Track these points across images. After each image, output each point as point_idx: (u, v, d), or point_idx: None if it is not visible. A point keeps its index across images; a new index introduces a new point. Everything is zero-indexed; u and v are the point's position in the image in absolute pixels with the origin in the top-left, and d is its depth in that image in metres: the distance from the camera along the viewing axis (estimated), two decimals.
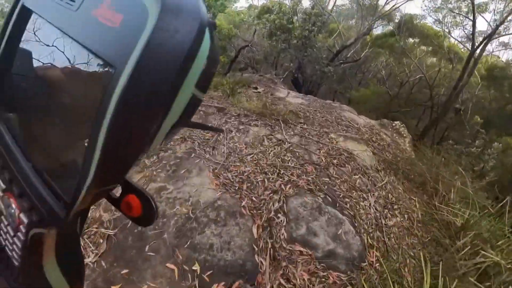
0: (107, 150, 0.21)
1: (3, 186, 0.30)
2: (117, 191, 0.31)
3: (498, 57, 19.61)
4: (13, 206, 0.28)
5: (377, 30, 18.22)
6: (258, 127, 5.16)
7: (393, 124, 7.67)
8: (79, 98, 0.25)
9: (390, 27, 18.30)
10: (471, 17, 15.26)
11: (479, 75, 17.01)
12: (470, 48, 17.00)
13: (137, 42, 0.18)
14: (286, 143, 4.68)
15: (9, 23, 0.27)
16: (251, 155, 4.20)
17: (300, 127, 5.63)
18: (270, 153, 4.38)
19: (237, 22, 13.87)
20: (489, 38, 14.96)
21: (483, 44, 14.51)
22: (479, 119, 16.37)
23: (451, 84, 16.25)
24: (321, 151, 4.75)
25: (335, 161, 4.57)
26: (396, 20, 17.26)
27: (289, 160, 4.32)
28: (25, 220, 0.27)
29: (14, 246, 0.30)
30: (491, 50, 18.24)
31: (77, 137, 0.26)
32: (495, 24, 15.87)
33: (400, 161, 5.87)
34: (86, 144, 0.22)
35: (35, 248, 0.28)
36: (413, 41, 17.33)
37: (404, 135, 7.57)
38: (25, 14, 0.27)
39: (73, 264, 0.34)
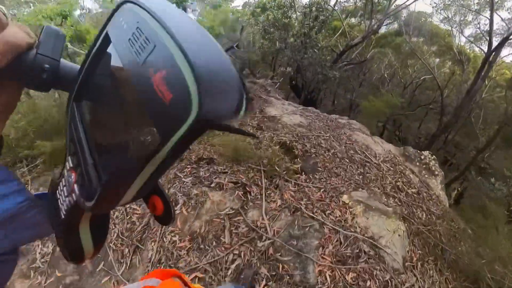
0: (145, 182, 0.25)
1: (71, 165, 0.33)
2: None
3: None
4: (73, 177, 0.32)
5: (381, 29, 15.66)
6: (223, 192, 2.75)
7: (422, 157, 5.18)
8: (125, 120, 0.28)
9: (395, 26, 15.79)
10: (486, 15, 12.69)
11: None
12: (483, 49, 14.44)
13: (178, 130, 0.19)
14: (265, 238, 2.26)
15: (96, 43, 0.30)
16: (195, 268, 1.83)
17: (294, 185, 3.18)
18: (229, 266, 1.98)
19: (228, 22, 11.22)
20: (507, 38, 12.18)
21: (501, 45, 11.69)
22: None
23: (461, 87, 13.70)
24: (326, 251, 2.32)
25: (349, 278, 2.15)
26: (403, 18, 14.67)
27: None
28: (76, 191, 0.31)
29: (65, 204, 0.34)
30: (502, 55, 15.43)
31: (118, 139, 0.30)
32: None
33: (439, 228, 3.44)
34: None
35: (76, 213, 0.33)
36: (421, 40, 14.72)
37: (436, 173, 5.09)
38: (107, 39, 0.29)
39: (100, 233, 0.39)
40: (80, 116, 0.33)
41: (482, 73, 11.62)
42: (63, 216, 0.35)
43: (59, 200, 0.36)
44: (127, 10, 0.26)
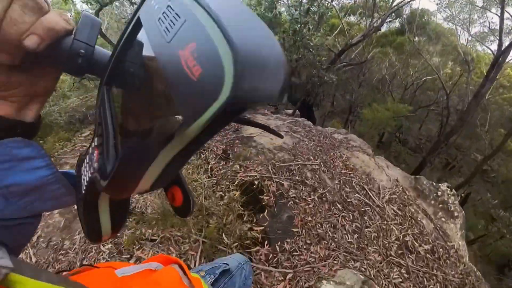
0: (163, 171, 0.23)
1: (96, 144, 0.31)
2: None
3: None
4: (95, 154, 0.30)
5: (382, 28, 13.86)
6: None
7: (438, 193, 3.63)
8: (150, 103, 0.27)
9: (397, 24, 13.96)
10: (496, 12, 10.83)
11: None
12: (490, 49, 12.63)
13: (205, 111, 0.15)
14: None
15: (128, 28, 0.28)
16: None
17: None
18: None
19: None
20: None
21: None
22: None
23: (467, 89, 11.95)
24: None
25: None
26: (405, 16, 12.81)
27: None
28: (96, 166, 0.29)
29: (85, 180, 0.32)
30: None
31: (138, 123, 0.28)
32: None
33: None
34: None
35: (93, 189, 0.30)
36: (423, 39, 12.90)
37: (455, 214, 3.56)
38: (139, 23, 0.27)
39: (119, 215, 0.35)
40: (109, 99, 0.30)
41: (491, 75, 9.88)
42: (83, 192, 0.32)
43: (82, 176, 0.33)
44: None
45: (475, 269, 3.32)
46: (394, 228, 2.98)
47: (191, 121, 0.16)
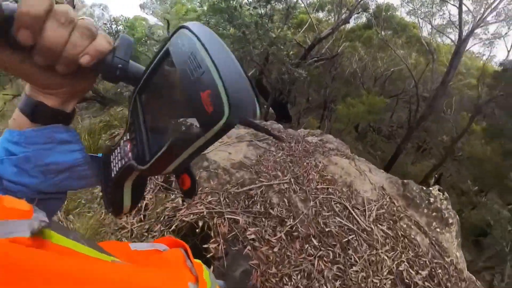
0: (182, 162, 0.29)
1: (128, 138, 0.37)
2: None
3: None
4: (128, 147, 0.36)
5: (350, 24, 13.26)
6: None
7: (430, 199, 2.86)
8: (176, 114, 0.30)
9: (364, 19, 13.38)
10: (454, 3, 10.45)
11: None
12: (452, 39, 12.35)
13: (215, 126, 0.23)
14: None
15: (158, 54, 0.34)
16: None
17: None
18: None
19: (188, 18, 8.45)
20: (477, 26, 10.27)
21: (469, 35, 9.80)
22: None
23: (432, 77, 11.59)
24: None
25: None
26: (371, 10, 12.20)
27: None
28: (130, 156, 0.34)
29: (117, 165, 0.37)
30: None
31: (167, 127, 0.30)
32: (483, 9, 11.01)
33: None
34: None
35: (126, 172, 0.36)
36: (389, 33, 12.33)
37: (450, 221, 2.83)
38: (167, 53, 0.32)
39: (138, 193, 0.41)
40: (141, 105, 0.37)
41: (454, 63, 9.66)
42: (113, 175, 0.38)
43: (112, 163, 0.39)
44: (184, 35, 0.30)
45: (474, 279, 2.61)
46: (385, 257, 2.18)
47: (204, 133, 0.24)
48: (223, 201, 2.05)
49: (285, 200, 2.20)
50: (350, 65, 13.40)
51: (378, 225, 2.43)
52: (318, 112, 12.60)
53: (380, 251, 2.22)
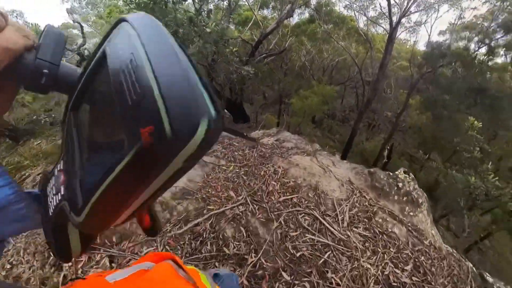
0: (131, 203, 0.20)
1: (61, 167, 0.27)
2: None
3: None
4: (61, 179, 0.26)
5: (294, 19, 13.19)
6: None
7: (399, 184, 2.54)
8: (112, 133, 0.22)
9: (306, 15, 13.41)
10: None
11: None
12: (385, 27, 13.00)
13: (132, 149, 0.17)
14: None
15: (94, 58, 0.25)
16: None
17: None
18: None
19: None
20: (403, 15, 10.87)
21: (398, 23, 10.36)
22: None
23: (371, 63, 12.06)
24: None
25: None
26: (312, 6, 12.21)
27: None
28: (63, 193, 0.25)
29: (53, 201, 0.27)
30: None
31: (102, 156, 0.23)
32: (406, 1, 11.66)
33: None
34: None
35: (64, 214, 0.25)
36: (330, 26, 12.47)
37: (420, 201, 2.53)
38: (104, 55, 0.23)
39: (88, 236, 0.30)
40: (76, 122, 0.27)
41: (389, 48, 10.12)
42: (50, 214, 0.27)
43: (48, 197, 0.28)
44: (124, 31, 0.22)
45: (451, 250, 2.38)
46: (368, 266, 1.75)
47: (136, 146, 0.17)
48: (162, 250, 1.41)
49: (242, 229, 1.64)
50: (299, 59, 13.38)
51: (354, 229, 2.01)
52: (275, 107, 12.33)
53: (361, 260, 1.79)
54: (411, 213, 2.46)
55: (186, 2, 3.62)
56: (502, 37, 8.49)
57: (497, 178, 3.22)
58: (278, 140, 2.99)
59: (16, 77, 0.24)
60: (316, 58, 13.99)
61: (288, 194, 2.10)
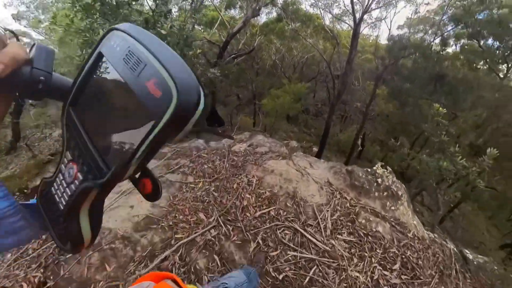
0: (143, 159, 0.25)
1: (70, 158, 0.31)
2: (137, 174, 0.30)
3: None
4: (74, 168, 0.30)
5: (261, 18, 13.06)
6: None
7: (378, 180, 2.45)
8: (128, 112, 0.28)
9: (274, 14, 13.33)
10: None
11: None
12: (349, 24, 13.33)
13: (167, 110, 0.22)
14: None
15: (89, 59, 0.30)
16: None
17: None
18: None
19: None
20: (366, 11, 11.21)
21: (361, 19, 10.70)
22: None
23: (339, 58, 12.27)
24: None
25: None
26: (279, 5, 12.15)
27: None
28: (80, 176, 0.29)
29: (64, 194, 0.31)
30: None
31: (118, 130, 0.28)
32: None
33: None
34: (128, 144, 0.26)
35: (80, 198, 0.30)
36: (298, 24, 12.49)
37: (400, 193, 2.48)
38: (100, 57, 0.29)
39: (96, 219, 0.33)
40: (78, 117, 0.31)
41: (354, 43, 10.41)
42: (62, 207, 0.31)
43: (56, 195, 0.32)
44: (116, 36, 0.28)
45: (433, 236, 2.37)
46: (357, 274, 1.63)
47: (160, 119, 0.22)
48: None
49: (216, 257, 1.41)
50: (269, 57, 13.29)
51: (338, 236, 1.86)
52: (250, 107, 12.12)
53: (349, 270, 1.65)
54: (393, 207, 2.39)
55: (140, 2, 3.26)
56: (452, 29, 9.25)
57: (464, 159, 3.32)
58: (251, 146, 2.78)
59: (16, 85, 0.28)
60: (286, 56, 14.00)
61: (264, 207, 1.90)
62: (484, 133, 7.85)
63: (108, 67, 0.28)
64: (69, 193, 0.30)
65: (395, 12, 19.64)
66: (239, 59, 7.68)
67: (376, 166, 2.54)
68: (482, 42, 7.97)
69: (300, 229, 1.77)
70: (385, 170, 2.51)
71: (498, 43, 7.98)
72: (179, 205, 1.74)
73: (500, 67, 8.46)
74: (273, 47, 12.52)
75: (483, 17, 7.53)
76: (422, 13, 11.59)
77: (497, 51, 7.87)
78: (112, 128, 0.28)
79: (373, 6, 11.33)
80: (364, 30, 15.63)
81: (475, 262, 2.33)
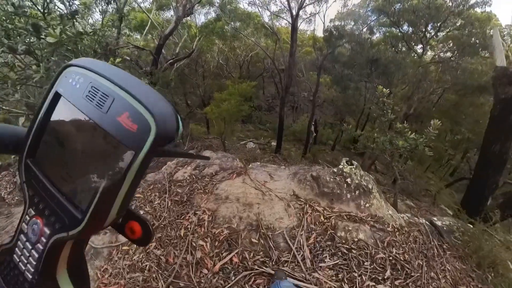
0: (125, 197, 0.23)
1: (33, 213, 0.27)
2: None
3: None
4: (39, 222, 0.26)
5: (199, 19, 12.25)
6: None
7: (347, 180, 2.14)
8: (101, 151, 0.25)
9: (213, 14, 12.60)
10: None
11: None
12: (288, 20, 13.45)
13: (147, 141, 0.21)
14: None
15: (45, 102, 0.27)
16: None
17: None
18: None
19: None
20: (301, 7, 11.50)
21: (298, 14, 10.91)
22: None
23: (282, 53, 12.29)
24: None
25: None
26: (216, 4, 11.48)
27: None
28: (47, 230, 0.26)
29: (30, 259, 0.26)
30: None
31: (91, 172, 0.25)
32: None
33: None
34: (101, 186, 0.23)
35: (52, 257, 0.26)
36: (239, 24, 12.02)
37: (369, 186, 2.23)
38: (57, 97, 0.26)
39: (80, 273, 0.29)
40: (39, 168, 0.27)
41: (294, 37, 10.57)
42: (31, 276, 0.26)
43: (20, 263, 0.27)
44: (74, 72, 0.25)
45: (407, 217, 2.24)
46: None
47: (140, 150, 0.21)
48: None
49: None
50: (213, 59, 12.60)
51: (321, 264, 1.47)
52: (202, 114, 11.31)
53: None
54: (367, 205, 2.12)
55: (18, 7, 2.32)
56: (375, 19, 10.09)
57: (413, 133, 3.35)
58: (197, 168, 2.20)
59: None
60: (230, 56, 13.48)
61: (224, 253, 1.39)
62: (413, 104, 8.69)
63: (68, 107, 0.25)
64: (37, 256, 0.26)
65: (327, 7, 20.73)
66: (178, 64, 6.85)
67: (342, 164, 2.24)
68: (400, 29, 8.78)
69: (272, 270, 1.31)
70: (352, 167, 2.23)
71: (412, 28, 8.95)
72: (111, 284, 1.10)
73: (415, 47, 9.50)
74: (215, 48, 11.85)
75: (399, 7, 8.31)
76: (349, 6, 12.34)
77: (412, 35, 8.80)
78: (83, 171, 0.25)
79: (307, 1, 11.58)
80: (301, 25, 16.00)
81: (444, 228, 2.25)
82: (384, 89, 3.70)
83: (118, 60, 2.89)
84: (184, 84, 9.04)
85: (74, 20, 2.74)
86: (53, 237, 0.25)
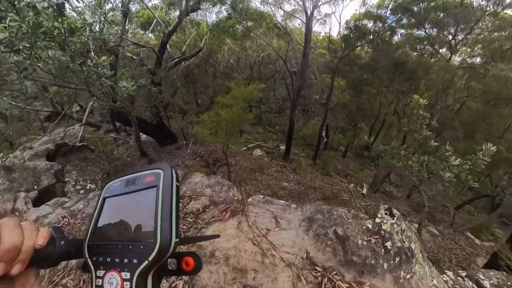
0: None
1: (104, 271, 0.31)
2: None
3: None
4: (113, 273, 0.30)
5: (211, 18, 11.66)
6: None
7: (385, 245, 1.40)
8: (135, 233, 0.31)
9: (224, 13, 11.97)
10: None
11: None
12: (302, 19, 12.62)
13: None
14: None
15: (97, 206, 0.37)
16: None
17: None
18: None
19: None
20: (317, 5, 10.60)
21: (313, 12, 10.00)
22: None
23: (295, 54, 11.46)
24: None
25: None
26: (228, 2, 10.83)
27: None
28: (127, 272, 0.30)
29: None
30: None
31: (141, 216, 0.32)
32: None
33: None
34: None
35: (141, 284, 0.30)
36: (251, 23, 11.32)
37: (413, 247, 1.46)
38: (104, 200, 0.36)
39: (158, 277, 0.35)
40: (98, 239, 0.35)
41: (308, 37, 9.77)
42: None
43: None
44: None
45: (448, 279, 1.45)
46: None
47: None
48: None
49: None
50: (224, 59, 11.99)
51: None
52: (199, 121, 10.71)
53: None
54: (408, 276, 1.40)
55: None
56: (393, 20, 9.08)
57: (458, 158, 2.49)
58: (180, 202, 1.58)
59: (47, 260, 0.29)
60: (241, 57, 12.82)
61: None
62: (435, 113, 7.67)
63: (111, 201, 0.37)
64: None
65: (343, 7, 19.54)
66: (186, 63, 6.27)
67: (380, 215, 1.52)
68: (426, 30, 7.74)
69: None
70: (393, 221, 1.49)
71: (436, 29, 7.88)
72: None
73: (441, 50, 8.41)
74: (227, 48, 11.23)
75: (425, 6, 7.27)
76: (367, 6, 11.29)
77: (437, 37, 7.74)
78: (132, 222, 0.32)
79: (322, 0, 10.70)
80: (314, 26, 15.07)
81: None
82: (421, 100, 2.89)
83: (103, 58, 2.28)
84: (194, 84, 8.49)
85: (61, 14, 2.15)
86: (137, 270, 0.28)
